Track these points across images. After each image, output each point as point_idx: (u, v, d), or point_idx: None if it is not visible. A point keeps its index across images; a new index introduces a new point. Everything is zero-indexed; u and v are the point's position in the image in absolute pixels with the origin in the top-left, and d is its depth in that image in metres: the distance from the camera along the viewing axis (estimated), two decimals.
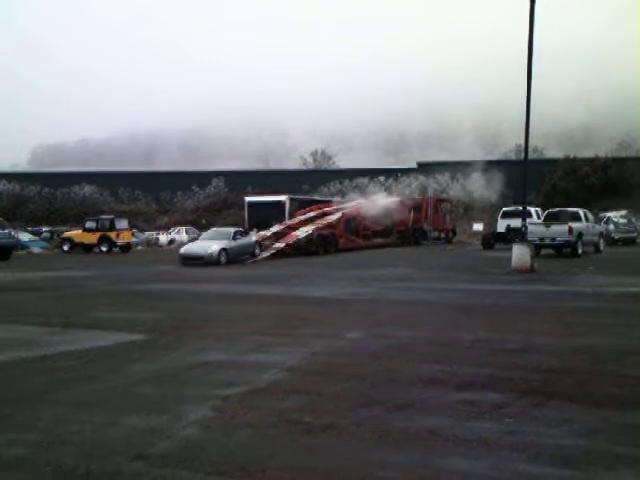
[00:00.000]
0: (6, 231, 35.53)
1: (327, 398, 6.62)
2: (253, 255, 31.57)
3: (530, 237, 25.67)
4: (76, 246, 43.05)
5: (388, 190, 53.32)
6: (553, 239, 29.36)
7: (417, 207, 45.73)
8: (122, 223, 43.85)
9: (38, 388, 7.29)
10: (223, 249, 29.44)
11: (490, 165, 56.56)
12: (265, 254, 32.40)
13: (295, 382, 7.35)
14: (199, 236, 36.92)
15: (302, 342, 9.68)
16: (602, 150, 58.36)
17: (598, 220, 36.87)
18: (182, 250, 30.69)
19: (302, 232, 34.93)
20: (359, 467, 4.85)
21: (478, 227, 45.61)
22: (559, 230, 29.25)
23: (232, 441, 5.43)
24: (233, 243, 30.41)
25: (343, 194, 57.09)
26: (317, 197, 51.10)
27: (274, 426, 5.75)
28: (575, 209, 32.10)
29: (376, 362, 8.29)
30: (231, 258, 29.72)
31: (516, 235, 26.62)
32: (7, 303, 15.68)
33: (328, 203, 44.30)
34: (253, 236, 33.10)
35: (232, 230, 32.23)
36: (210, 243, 30.11)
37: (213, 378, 7.56)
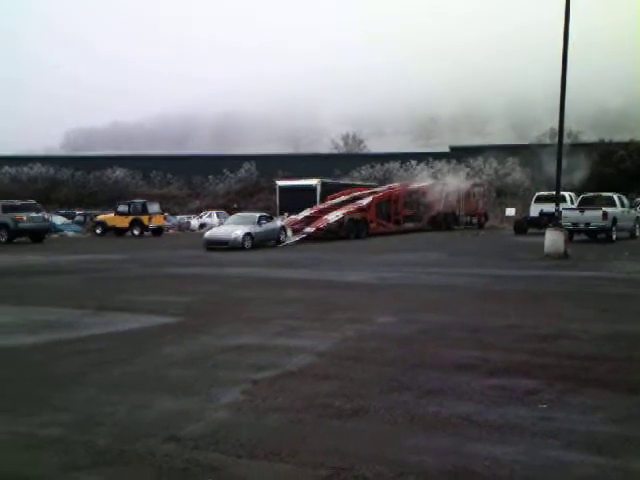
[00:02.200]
0: (40, 214, 35.98)
1: (358, 383, 6.61)
2: (278, 241, 31.58)
3: (564, 222, 25.37)
4: (109, 230, 43.47)
5: (422, 175, 53.02)
6: (587, 224, 29.00)
7: (449, 192, 45.40)
8: (154, 207, 44.14)
9: (71, 370, 7.37)
10: (248, 234, 29.50)
11: (524, 149, 56.12)
12: (295, 238, 32.40)
13: (326, 366, 7.35)
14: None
15: (333, 327, 9.68)
16: (638, 134, 57.42)
17: (633, 205, 36.33)
18: (206, 235, 30.83)
19: (333, 216, 34.87)
20: (390, 452, 4.83)
21: (511, 212, 45.17)
22: (593, 215, 28.87)
23: (263, 425, 5.44)
24: (258, 228, 30.48)
25: (376, 179, 56.98)
26: (348, 181, 50.99)
27: (305, 410, 5.75)
28: (610, 194, 31.65)
29: (407, 347, 8.26)
30: (256, 243, 29.80)
31: (549, 220, 26.31)
32: (41, 286, 15.88)
33: (360, 187, 44.16)
34: (278, 221, 33.13)
35: (257, 215, 32.34)
36: (234, 228, 30.20)
37: (244, 361, 7.58)
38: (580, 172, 40.82)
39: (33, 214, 35.29)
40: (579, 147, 47.92)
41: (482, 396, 6.09)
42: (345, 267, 19.68)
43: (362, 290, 14.37)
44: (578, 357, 7.56)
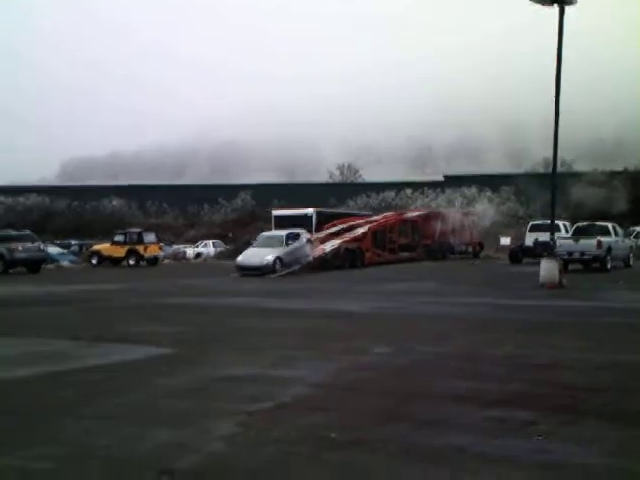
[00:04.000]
0: (36, 244, 35.92)
1: (353, 414, 6.58)
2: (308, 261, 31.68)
3: (558, 251, 25.42)
4: (104, 259, 43.37)
5: (414, 204, 53.24)
6: (582, 253, 29.04)
7: (444, 221, 45.53)
8: (150, 236, 44.11)
9: (65, 402, 7.33)
10: (278, 257, 29.82)
11: (518, 178, 56.34)
12: (289, 269, 32.35)
13: (321, 397, 7.32)
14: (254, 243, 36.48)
15: (328, 357, 9.65)
16: (632, 163, 57.75)
17: (628, 234, 36.43)
18: (238, 260, 31.12)
19: (328, 246, 34.86)
20: None
21: (506, 241, 45.22)
22: (588, 244, 28.93)
23: (258, 457, 5.40)
24: (287, 249, 30.64)
25: (372, 208, 57.11)
26: (344, 210, 51.07)
27: (300, 442, 5.72)
28: (604, 223, 31.75)
29: (403, 377, 8.23)
30: (286, 264, 30.00)
31: (544, 249, 26.37)
32: (36, 317, 15.81)
33: (355, 216, 44.26)
34: (304, 237, 33.20)
35: (284, 234, 32.41)
36: (264, 252, 30.30)
37: (239, 393, 7.55)
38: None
39: (28, 244, 35.24)
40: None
41: (478, 427, 6.06)
42: (340, 297, 19.67)
43: (357, 320, 14.35)
44: (574, 388, 7.54)
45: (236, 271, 30.33)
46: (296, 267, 31.86)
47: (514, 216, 53.98)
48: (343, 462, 5.26)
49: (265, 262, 29.35)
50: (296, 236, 32.47)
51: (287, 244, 30.97)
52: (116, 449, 5.64)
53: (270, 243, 31.45)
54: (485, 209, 46.46)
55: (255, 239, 35.89)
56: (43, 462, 5.37)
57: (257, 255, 30.29)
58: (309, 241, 32.73)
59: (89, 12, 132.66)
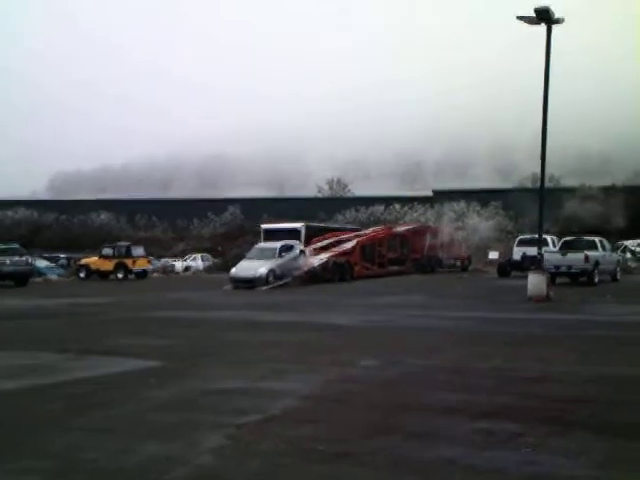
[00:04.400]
0: (23, 258, 35.78)
1: (341, 426, 6.59)
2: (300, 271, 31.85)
3: (546, 265, 25.52)
4: (92, 273, 43.22)
5: (405, 218, 53.42)
6: (569, 267, 29.18)
7: (433, 235, 45.75)
8: (138, 250, 44.05)
9: (53, 415, 7.30)
10: (271, 270, 29.94)
11: (506, 193, 56.63)
12: (280, 282, 32.38)
13: (309, 410, 7.32)
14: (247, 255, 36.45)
15: (317, 370, 9.65)
16: (619, 179, 58.15)
17: (615, 248, 36.62)
18: (232, 272, 31.27)
19: (317, 260, 34.90)
20: None
21: (494, 255, 45.39)
22: (575, 258, 29.08)
23: (247, 470, 5.40)
24: (280, 261, 30.68)
25: (361, 222, 57.24)
26: (332, 225, 51.15)
27: (288, 455, 5.72)
28: (591, 237, 31.94)
29: (391, 390, 8.25)
30: (278, 276, 30.12)
31: (532, 263, 26.46)
32: (24, 330, 15.75)
33: (344, 231, 44.35)
34: (297, 249, 33.30)
35: (278, 246, 32.43)
36: (257, 264, 30.31)
37: (227, 405, 7.54)
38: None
39: (16, 257, 35.10)
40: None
41: (466, 440, 6.07)
42: (329, 310, 19.67)
43: (346, 333, 14.36)
44: (562, 400, 7.57)
45: (230, 283, 30.42)
46: (289, 279, 31.92)
47: (502, 230, 54.18)
48: (331, 475, 5.27)
49: (258, 274, 29.48)
50: (289, 248, 32.54)
51: (280, 256, 31.03)
52: (104, 462, 5.62)
53: (263, 255, 31.53)
54: (478, 224, 46.65)
55: (247, 252, 35.95)
56: (31, 476, 5.35)
57: (250, 267, 30.40)
58: (302, 252, 32.80)
59: (84, 31, 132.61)
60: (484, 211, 57.66)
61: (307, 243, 39.01)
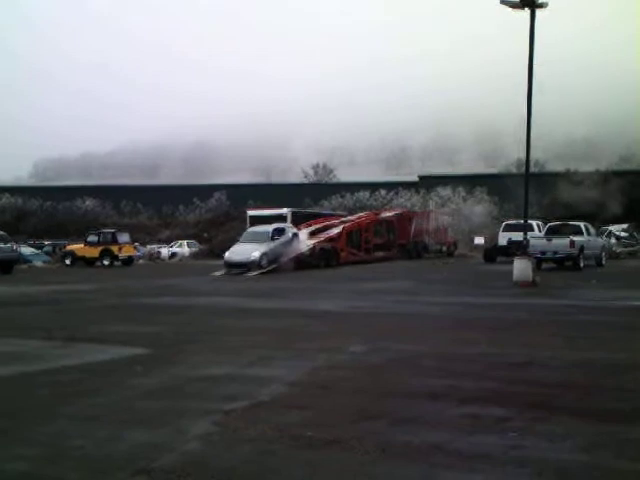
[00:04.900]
0: (8, 245, 35.55)
1: (329, 412, 6.61)
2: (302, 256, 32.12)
3: (532, 250, 25.63)
4: (78, 260, 43.02)
5: (391, 204, 53.52)
6: (555, 252, 29.34)
7: (419, 220, 45.89)
8: (124, 237, 43.87)
9: (40, 402, 7.28)
10: (264, 254, 30.19)
11: (491, 178, 56.81)
12: (273, 265, 32.36)
13: (297, 396, 7.34)
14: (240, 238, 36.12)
15: (304, 356, 9.66)
16: (603, 164, 58.37)
17: (600, 233, 36.83)
18: (226, 256, 31.43)
19: (304, 245, 34.91)
20: None
21: (479, 240, 45.60)
22: (561, 243, 29.23)
23: (234, 456, 5.41)
24: (272, 244, 30.82)
25: (346, 208, 57.26)
26: (319, 211, 51.18)
27: (276, 441, 5.73)
28: (577, 222, 32.09)
29: (378, 376, 8.27)
30: (271, 259, 30.37)
31: (518, 248, 26.58)
32: (9, 317, 15.67)
33: (330, 216, 44.41)
34: (290, 232, 33.38)
35: (270, 229, 32.47)
36: (251, 248, 30.36)
37: (215, 392, 7.54)
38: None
39: (1, 245, 34.87)
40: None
41: (453, 425, 6.11)
42: (316, 296, 19.69)
43: (333, 319, 14.37)
44: (548, 385, 7.62)
45: (223, 267, 30.69)
46: (283, 260, 32.03)
47: (488, 215, 54.40)
48: (320, 460, 5.28)
49: (252, 258, 29.57)
50: (282, 231, 32.56)
51: (273, 239, 31.08)
52: (92, 449, 5.62)
53: (256, 239, 31.54)
54: (472, 209, 46.85)
55: (238, 236, 36.01)
56: (18, 463, 5.33)
57: (244, 251, 30.46)
58: (295, 235, 32.84)
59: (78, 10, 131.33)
60: (469, 197, 57.81)
61: None
